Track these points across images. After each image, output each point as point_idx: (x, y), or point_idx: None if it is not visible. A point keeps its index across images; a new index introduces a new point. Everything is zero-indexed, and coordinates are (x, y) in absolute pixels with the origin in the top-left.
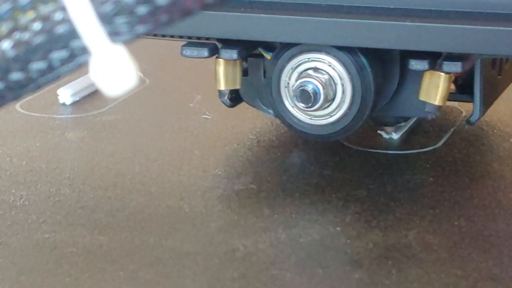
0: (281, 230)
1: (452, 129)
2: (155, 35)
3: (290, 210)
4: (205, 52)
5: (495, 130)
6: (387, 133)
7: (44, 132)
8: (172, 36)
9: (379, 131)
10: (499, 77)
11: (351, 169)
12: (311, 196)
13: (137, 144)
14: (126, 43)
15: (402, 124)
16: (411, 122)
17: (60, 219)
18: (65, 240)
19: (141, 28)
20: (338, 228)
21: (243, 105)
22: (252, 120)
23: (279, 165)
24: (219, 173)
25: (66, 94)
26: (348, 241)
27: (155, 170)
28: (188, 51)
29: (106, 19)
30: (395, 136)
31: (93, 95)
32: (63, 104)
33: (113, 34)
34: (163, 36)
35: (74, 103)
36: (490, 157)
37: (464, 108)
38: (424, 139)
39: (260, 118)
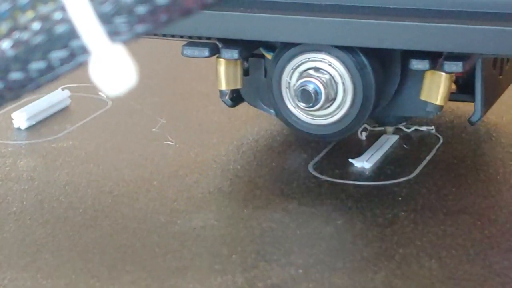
0: (238, 273)
1: (427, 158)
2: (155, 35)
3: (250, 249)
4: (206, 52)
5: (472, 160)
6: (358, 161)
7: None
8: (172, 36)
9: (350, 160)
10: (500, 77)
11: (318, 203)
12: (274, 233)
13: (92, 174)
14: (126, 42)
15: (374, 152)
16: (384, 150)
17: (0, 261)
18: (4, 285)
19: (140, 28)
20: (300, 271)
21: (208, 129)
22: (216, 147)
23: (242, 197)
24: (178, 206)
25: (21, 118)
26: (310, 285)
27: (109, 203)
28: (189, 51)
29: (105, 19)
30: (367, 165)
31: (50, 119)
32: (18, 128)
33: (113, 34)
34: (164, 35)
35: (30, 128)
36: (465, 190)
37: (443, 134)
38: (398, 169)
39: (226, 144)
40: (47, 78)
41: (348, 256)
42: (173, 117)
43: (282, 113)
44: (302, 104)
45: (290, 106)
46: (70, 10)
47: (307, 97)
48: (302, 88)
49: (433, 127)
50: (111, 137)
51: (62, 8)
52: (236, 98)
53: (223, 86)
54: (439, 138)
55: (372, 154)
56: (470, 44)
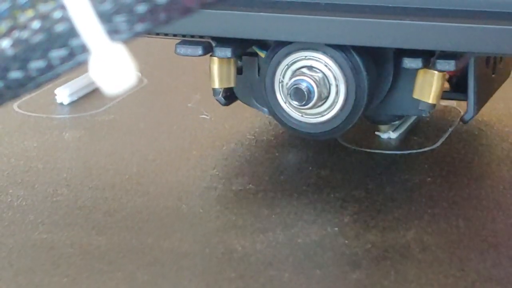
0: (279, 230)
1: (450, 129)
2: (149, 33)
3: (288, 210)
4: (199, 50)
5: (493, 130)
6: (384, 133)
7: (42, 132)
8: (166, 35)
9: (376, 132)
10: (493, 75)
11: (349, 169)
12: (309, 196)
13: (135, 144)
14: (126, 41)
15: (400, 124)
16: (409, 122)
17: (57, 220)
18: (63, 240)
19: (140, 27)
20: (336, 229)
21: (241, 105)
22: (250, 120)
23: (277, 165)
24: (217, 173)
25: (63, 94)
26: (346, 241)
27: (153, 170)
28: (182, 49)
29: (105, 18)
30: (393, 136)
31: (91, 95)
32: (61, 104)
33: (113, 33)
34: (157, 34)
35: (72, 103)
36: (488, 157)
37: (463, 108)
38: (423, 139)
39: (259, 117)
40: (47, 77)
41: (380, 216)
42: (206, 93)
43: (274, 111)
44: (294, 102)
45: (283, 104)
46: (70, 9)
47: (300, 95)
48: (295, 86)
49: (454, 101)
50: (150, 112)
51: (62, 7)
52: (229, 96)
53: (217, 85)
54: (459, 111)
55: (397, 126)
56: (463, 43)
